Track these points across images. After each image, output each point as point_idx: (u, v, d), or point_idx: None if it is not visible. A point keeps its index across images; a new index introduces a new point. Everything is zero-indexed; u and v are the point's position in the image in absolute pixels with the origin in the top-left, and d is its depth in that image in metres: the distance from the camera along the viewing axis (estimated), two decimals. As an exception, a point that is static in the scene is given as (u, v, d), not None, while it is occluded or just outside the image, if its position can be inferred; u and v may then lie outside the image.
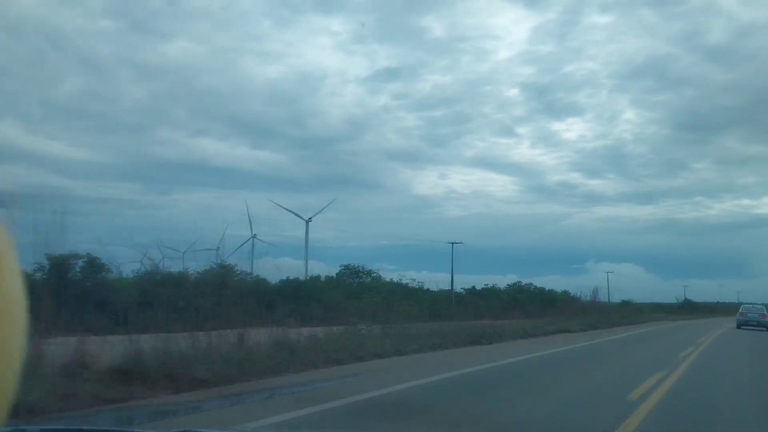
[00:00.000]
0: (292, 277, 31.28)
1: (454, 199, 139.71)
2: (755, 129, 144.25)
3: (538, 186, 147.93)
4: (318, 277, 34.70)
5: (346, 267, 38.74)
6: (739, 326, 33.68)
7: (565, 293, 55.92)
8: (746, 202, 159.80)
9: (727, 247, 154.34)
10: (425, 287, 40.77)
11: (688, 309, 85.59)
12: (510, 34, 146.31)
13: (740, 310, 36.33)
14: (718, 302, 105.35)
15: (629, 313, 63.95)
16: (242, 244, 57.24)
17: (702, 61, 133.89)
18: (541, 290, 52.45)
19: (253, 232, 57.65)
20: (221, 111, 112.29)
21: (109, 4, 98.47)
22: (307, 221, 56.62)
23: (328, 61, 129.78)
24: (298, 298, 24.95)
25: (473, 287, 51.63)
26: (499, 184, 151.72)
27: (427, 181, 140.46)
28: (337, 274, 36.65)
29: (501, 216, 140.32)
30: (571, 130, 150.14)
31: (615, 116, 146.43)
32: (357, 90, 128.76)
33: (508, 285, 52.91)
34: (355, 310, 17.63)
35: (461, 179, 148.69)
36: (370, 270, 38.67)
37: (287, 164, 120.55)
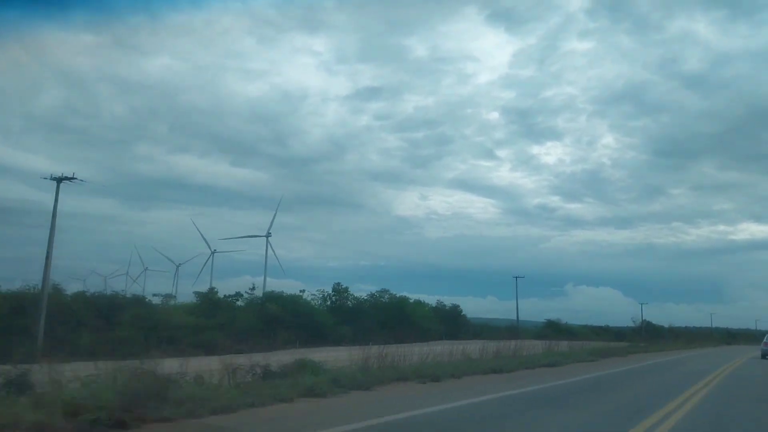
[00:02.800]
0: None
1: (435, 221, 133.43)
2: (730, 156, 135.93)
3: (517, 209, 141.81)
4: None
5: None
6: (764, 356, 34.30)
7: (441, 306, 47.88)
8: (722, 228, 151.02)
9: (702, 272, 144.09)
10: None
11: (646, 335, 72.06)
12: (491, 57, 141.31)
13: (765, 339, 36.79)
14: (687, 326, 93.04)
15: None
16: (205, 262, 57.19)
17: (679, 89, 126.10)
18: (402, 300, 43.27)
19: (213, 249, 61.91)
20: (202, 128, 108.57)
21: (90, 18, 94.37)
22: (267, 236, 57.57)
23: (310, 80, 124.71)
24: None
25: (225, 296, 41.35)
26: (480, 206, 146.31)
27: (408, 202, 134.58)
28: None
29: (481, 238, 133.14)
30: (551, 153, 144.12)
31: (594, 141, 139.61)
32: (339, 109, 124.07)
33: (330, 293, 45.12)
34: None
35: (442, 200, 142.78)
36: None
37: (268, 183, 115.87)
